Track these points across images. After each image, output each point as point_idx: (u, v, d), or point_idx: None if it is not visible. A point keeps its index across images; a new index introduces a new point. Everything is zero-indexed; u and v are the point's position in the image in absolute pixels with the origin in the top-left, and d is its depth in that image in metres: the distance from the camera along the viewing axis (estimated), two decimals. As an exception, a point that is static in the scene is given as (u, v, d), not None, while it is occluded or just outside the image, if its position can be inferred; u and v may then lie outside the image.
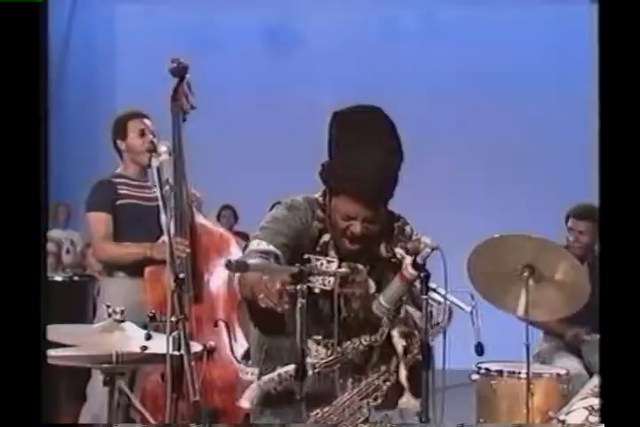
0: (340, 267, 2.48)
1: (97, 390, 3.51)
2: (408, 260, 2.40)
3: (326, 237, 2.56)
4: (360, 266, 2.51)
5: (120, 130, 3.83)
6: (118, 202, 3.74)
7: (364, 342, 2.53)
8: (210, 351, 3.33)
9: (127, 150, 3.82)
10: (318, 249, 2.54)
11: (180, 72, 3.58)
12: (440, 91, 8.02)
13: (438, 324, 2.41)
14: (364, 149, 2.44)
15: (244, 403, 2.49)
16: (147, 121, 3.84)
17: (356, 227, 2.49)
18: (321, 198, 2.60)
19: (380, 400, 2.49)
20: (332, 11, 8.18)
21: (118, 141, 3.83)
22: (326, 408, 2.45)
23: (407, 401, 2.43)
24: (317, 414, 2.43)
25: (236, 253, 3.49)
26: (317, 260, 2.50)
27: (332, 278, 2.48)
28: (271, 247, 2.47)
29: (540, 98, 7.90)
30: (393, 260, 2.49)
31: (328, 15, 8.22)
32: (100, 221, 3.74)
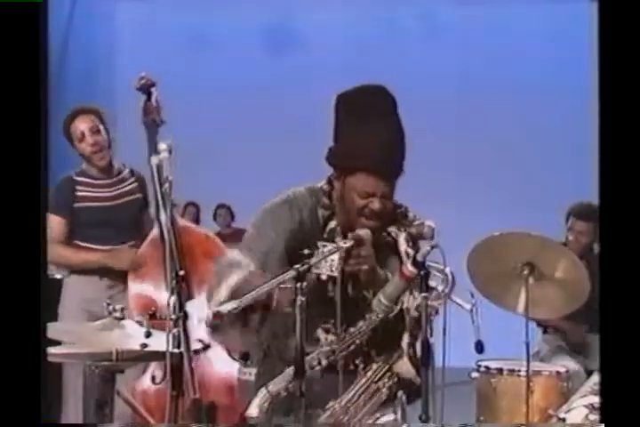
0: (344, 242, 2.43)
1: (76, 388, 3.56)
2: (410, 252, 2.39)
3: (332, 224, 2.58)
4: (363, 234, 2.46)
5: (66, 137, 3.78)
6: (75, 205, 3.75)
7: (376, 319, 2.47)
8: (201, 349, 3.35)
9: (80, 155, 3.80)
10: (325, 236, 2.56)
11: (147, 88, 3.59)
12: (440, 89, 8.02)
13: (443, 291, 2.38)
14: (372, 126, 2.47)
15: (253, 411, 2.42)
16: (85, 118, 3.75)
17: (375, 203, 2.49)
18: (326, 186, 2.61)
19: (396, 378, 2.46)
20: (332, 10, 8.18)
21: (73, 148, 3.79)
22: (341, 399, 2.42)
23: (403, 366, 2.43)
24: (332, 407, 2.42)
25: (222, 253, 3.51)
26: (324, 246, 2.48)
27: (338, 264, 2.45)
28: (247, 261, 2.48)
29: (541, 96, 7.89)
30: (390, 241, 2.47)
31: (327, 14, 8.22)
32: (54, 224, 3.72)
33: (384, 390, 2.46)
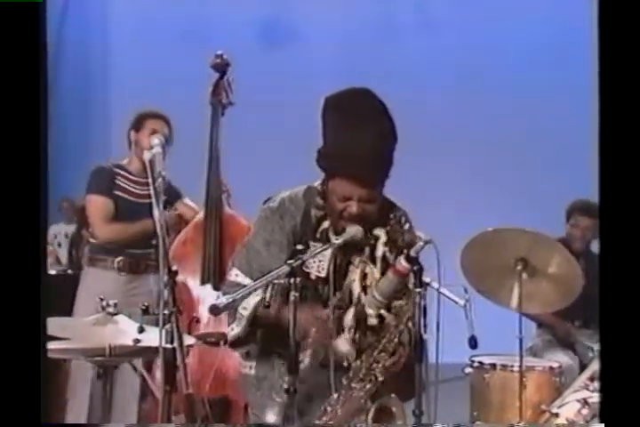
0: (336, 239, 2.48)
1: (81, 387, 3.58)
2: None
3: (326, 224, 2.58)
4: (355, 230, 2.48)
5: (136, 123, 3.90)
6: (114, 192, 3.83)
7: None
8: (226, 341, 3.34)
9: (135, 144, 3.87)
10: (318, 236, 2.57)
11: (221, 68, 3.65)
12: (438, 83, 8.00)
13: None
14: (355, 130, 2.48)
15: (270, 418, 2.48)
16: (164, 124, 3.88)
17: (353, 207, 2.50)
18: (320, 186, 2.63)
19: (375, 385, 2.47)
20: (328, 3, 8.16)
21: (132, 132, 3.88)
22: (331, 399, 2.45)
23: (341, 344, 2.48)
24: (325, 408, 2.44)
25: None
26: (314, 246, 2.52)
27: (325, 265, 2.51)
28: (248, 281, 2.50)
29: (540, 92, 7.87)
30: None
31: (324, 8, 8.20)
32: (99, 203, 3.84)
33: (361, 393, 2.46)
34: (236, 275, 2.57)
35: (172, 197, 3.81)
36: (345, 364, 2.51)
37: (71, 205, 7.50)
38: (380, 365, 2.47)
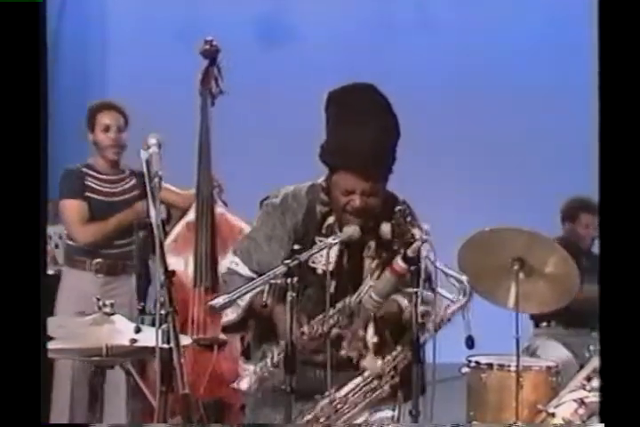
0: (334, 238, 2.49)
1: (63, 385, 3.57)
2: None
3: (331, 220, 2.61)
4: (352, 230, 2.49)
5: (89, 122, 3.85)
6: (86, 193, 3.80)
7: (348, 302, 2.53)
8: (220, 345, 3.34)
9: (94, 144, 3.84)
10: (324, 232, 2.59)
11: (210, 54, 3.57)
12: (437, 83, 7.98)
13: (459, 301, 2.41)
14: (358, 124, 2.50)
15: (243, 385, 2.52)
16: (116, 114, 3.81)
17: (356, 200, 2.52)
18: (324, 183, 2.64)
19: (399, 377, 2.49)
20: (327, 2, 8.15)
21: (88, 133, 3.84)
22: (335, 393, 2.46)
23: (370, 363, 2.47)
24: (324, 400, 2.46)
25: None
26: (320, 241, 2.53)
27: (333, 259, 2.52)
28: (247, 272, 2.54)
29: (540, 92, 7.85)
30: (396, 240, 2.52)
31: (323, 7, 8.19)
32: (74, 206, 3.80)
33: (386, 387, 2.48)
34: (236, 263, 2.60)
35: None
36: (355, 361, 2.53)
37: (55, 206, 7.48)
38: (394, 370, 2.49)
